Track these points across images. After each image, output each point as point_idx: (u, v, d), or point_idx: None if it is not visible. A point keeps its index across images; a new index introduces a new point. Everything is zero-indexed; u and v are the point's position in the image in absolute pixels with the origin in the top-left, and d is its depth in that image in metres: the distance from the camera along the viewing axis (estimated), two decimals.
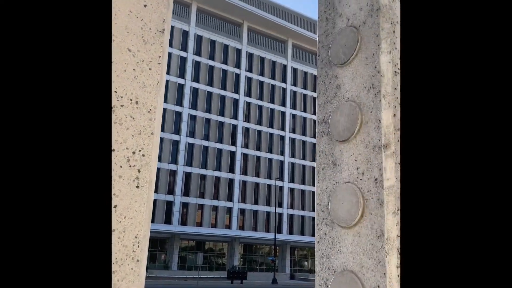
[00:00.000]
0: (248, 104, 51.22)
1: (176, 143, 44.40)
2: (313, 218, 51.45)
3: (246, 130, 50.30)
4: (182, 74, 45.95)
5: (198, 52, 48.01)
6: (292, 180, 52.29)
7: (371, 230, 1.52)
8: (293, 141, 53.50)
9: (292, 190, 51.94)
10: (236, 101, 50.32)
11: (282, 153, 52.41)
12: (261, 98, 52.42)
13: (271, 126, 52.42)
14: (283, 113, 53.81)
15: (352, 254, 1.57)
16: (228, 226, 46.80)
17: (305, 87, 56.41)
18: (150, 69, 1.20)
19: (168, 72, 44.52)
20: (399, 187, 1.53)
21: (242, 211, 47.96)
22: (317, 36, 2.00)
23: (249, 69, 52.20)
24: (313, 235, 49.99)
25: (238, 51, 51.71)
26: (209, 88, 48.21)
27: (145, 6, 1.24)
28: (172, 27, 45.49)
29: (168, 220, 42.54)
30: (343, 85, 1.80)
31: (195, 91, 46.92)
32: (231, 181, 47.85)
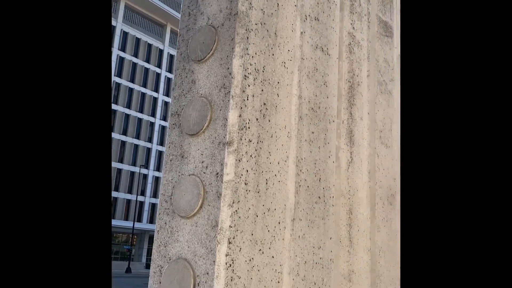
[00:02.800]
0: (117, 85, 48.38)
1: None
2: None
3: (113, 112, 47.46)
4: None
5: None
6: (158, 169, 51.24)
7: (207, 221, 1.61)
8: (163, 128, 52.42)
9: (157, 179, 50.90)
10: None
11: (150, 140, 50.93)
12: (132, 81, 50.03)
13: (141, 111, 50.49)
14: (155, 99, 52.31)
15: (188, 243, 1.64)
16: None
17: None
18: None
19: None
20: (237, 181, 1.65)
21: None
22: (179, 29, 2.03)
23: (122, 49, 49.33)
24: None
25: (113, 28, 48.36)
26: None
27: None
28: None
29: None
30: (198, 81, 1.86)
31: None
32: None
